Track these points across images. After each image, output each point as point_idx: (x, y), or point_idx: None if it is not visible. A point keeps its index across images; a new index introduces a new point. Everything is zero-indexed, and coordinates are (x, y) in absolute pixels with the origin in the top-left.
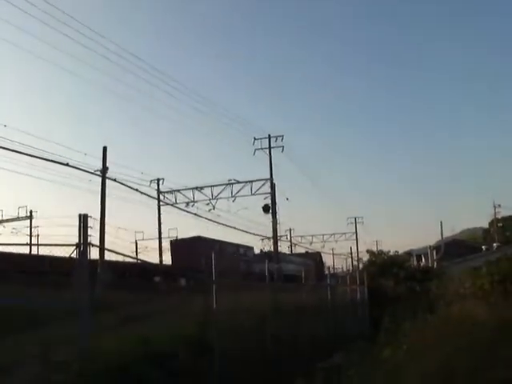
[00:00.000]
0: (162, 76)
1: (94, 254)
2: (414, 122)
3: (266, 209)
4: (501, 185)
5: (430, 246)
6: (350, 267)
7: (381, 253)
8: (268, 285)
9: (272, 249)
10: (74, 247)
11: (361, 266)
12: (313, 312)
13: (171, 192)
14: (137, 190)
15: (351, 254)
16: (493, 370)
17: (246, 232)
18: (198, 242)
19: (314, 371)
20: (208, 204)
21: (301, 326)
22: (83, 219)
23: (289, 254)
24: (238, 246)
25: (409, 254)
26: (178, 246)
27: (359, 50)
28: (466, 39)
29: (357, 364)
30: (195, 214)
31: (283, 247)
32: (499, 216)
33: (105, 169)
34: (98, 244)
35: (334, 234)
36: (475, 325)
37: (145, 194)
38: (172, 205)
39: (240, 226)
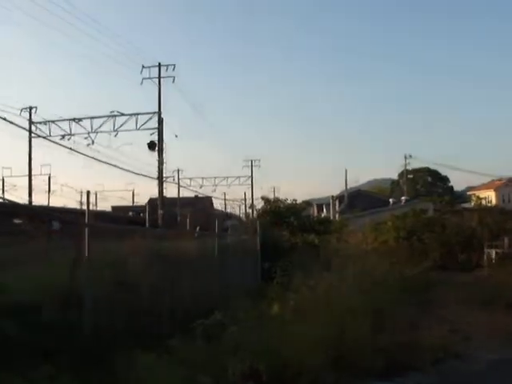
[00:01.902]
0: None
1: None
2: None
3: (151, 146)
4: (412, 135)
5: (332, 196)
6: (244, 215)
7: (277, 200)
8: (148, 231)
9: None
10: None
11: (255, 213)
12: (198, 264)
13: (45, 123)
14: (4, 118)
15: (245, 200)
16: (384, 333)
17: (129, 171)
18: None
19: (194, 328)
20: (87, 138)
21: (183, 278)
22: None
23: (176, 198)
24: None
25: (308, 203)
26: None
27: None
28: None
29: (240, 321)
30: (71, 149)
31: (170, 190)
32: (409, 168)
33: None
34: None
35: (227, 177)
36: (374, 284)
37: (13, 123)
38: (45, 137)
39: (123, 164)
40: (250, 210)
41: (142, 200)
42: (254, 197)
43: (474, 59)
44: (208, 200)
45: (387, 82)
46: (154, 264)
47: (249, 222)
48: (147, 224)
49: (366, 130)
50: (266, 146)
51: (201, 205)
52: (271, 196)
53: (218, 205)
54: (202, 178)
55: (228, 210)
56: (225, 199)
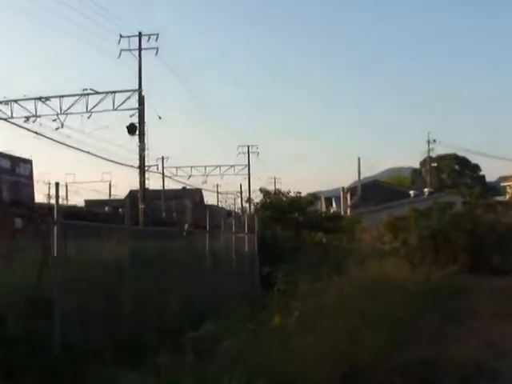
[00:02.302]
0: None
1: None
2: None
3: (131, 129)
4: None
5: (343, 188)
6: (240, 209)
7: (278, 193)
8: (127, 229)
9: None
10: None
11: (252, 208)
12: (186, 267)
13: (6, 103)
14: None
15: (241, 193)
16: (404, 347)
17: (105, 160)
18: None
19: (183, 341)
20: (55, 120)
21: (169, 283)
22: None
23: (160, 191)
24: None
25: (315, 196)
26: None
27: None
28: None
29: (235, 333)
30: (36, 133)
31: (154, 181)
32: (433, 155)
33: None
34: None
35: (219, 165)
36: (393, 290)
37: None
38: (6, 119)
39: (98, 151)
40: (247, 205)
41: (120, 193)
42: (252, 189)
43: None
44: (198, 193)
45: (405, 57)
46: (135, 267)
47: (245, 218)
48: (127, 221)
49: (382, 112)
50: (264, 131)
51: (190, 198)
52: (271, 188)
53: (209, 198)
54: (191, 167)
55: (220, 204)
56: (217, 192)
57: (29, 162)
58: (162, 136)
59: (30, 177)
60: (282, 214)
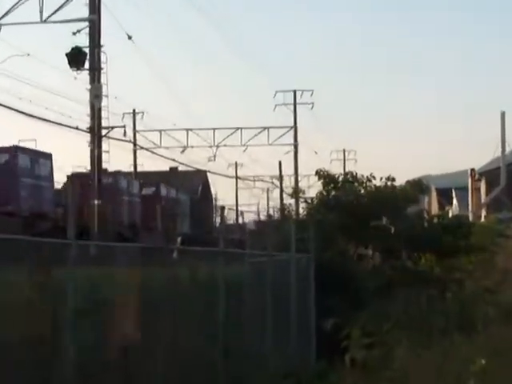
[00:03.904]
0: None
1: None
2: None
3: (74, 57)
4: None
5: (472, 172)
6: (278, 210)
7: (351, 179)
8: (69, 247)
9: None
10: None
11: (302, 208)
12: (179, 315)
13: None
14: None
15: (281, 178)
16: None
17: (27, 116)
18: None
19: None
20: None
21: (146, 344)
22: None
23: (129, 174)
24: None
25: (421, 185)
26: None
27: None
28: None
29: None
30: None
31: (117, 156)
32: None
33: None
34: None
35: (240, 128)
36: None
37: None
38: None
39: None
40: (293, 201)
41: (59, 178)
42: (301, 172)
43: None
44: (200, 178)
45: None
46: (78, 315)
47: (291, 227)
48: (69, 234)
49: None
50: (324, 73)
51: (186, 188)
52: (337, 170)
53: (220, 188)
54: (187, 131)
55: (241, 199)
56: (236, 176)
57: (49, 158)
58: (136, 75)
59: (51, 177)
60: (359, 218)
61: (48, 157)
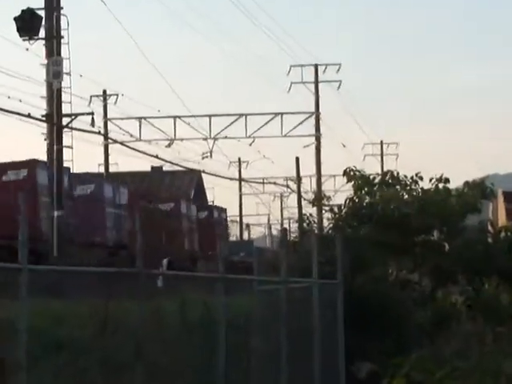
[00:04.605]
0: None
1: None
2: None
3: (24, 22)
4: None
5: None
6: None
7: (393, 182)
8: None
9: None
10: None
11: (327, 219)
12: (162, 366)
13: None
14: None
15: (298, 181)
16: None
17: None
18: None
19: None
20: None
21: None
22: None
23: (100, 175)
24: None
25: (482, 187)
26: None
27: None
28: None
29: None
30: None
31: (83, 149)
32: None
33: None
34: None
35: (244, 114)
36: None
37: None
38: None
39: None
40: (314, 209)
41: None
42: (325, 171)
43: None
44: (191, 180)
45: None
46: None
47: (314, 244)
48: (21, 256)
49: None
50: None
51: (173, 189)
52: (372, 170)
53: (219, 192)
54: (175, 119)
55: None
56: (240, 178)
57: (125, 186)
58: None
59: (129, 207)
60: (402, 232)
61: (125, 185)
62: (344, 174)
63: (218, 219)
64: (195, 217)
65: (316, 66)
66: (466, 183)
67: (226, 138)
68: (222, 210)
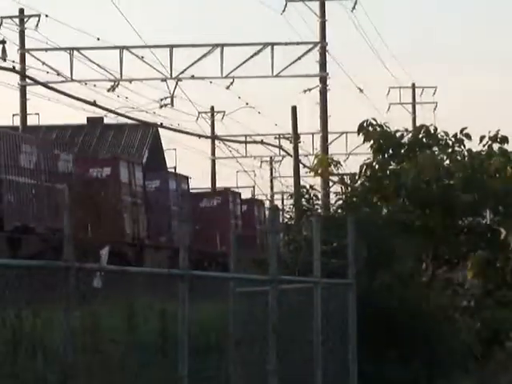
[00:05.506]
0: None
1: None
2: None
3: None
4: None
5: None
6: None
7: (429, 142)
8: None
9: None
10: None
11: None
12: None
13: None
14: None
15: (295, 139)
16: None
17: None
18: None
19: None
20: None
21: None
22: None
23: (12, 128)
24: None
25: None
26: None
27: None
28: None
29: None
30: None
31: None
32: None
33: None
34: None
35: (221, 44)
36: None
37: None
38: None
39: None
40: (317, 179)
41: None
42: (333, 129)
43: None
44: (144, 135)
45: None
46: None
47: (316, 227)
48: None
49: None
50: None
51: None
52: (399, 124)
53: (184, 156)
54: (121, 50)
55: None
56: (213, 136)
57: (186, 180)
58: None
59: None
60: (441, 213)
61: (185, 179)
62: (359, 131)
63: (174, 191)
64: (141, 187)
65: None
66: None
67: (193, 77)
68: (183, 179)
